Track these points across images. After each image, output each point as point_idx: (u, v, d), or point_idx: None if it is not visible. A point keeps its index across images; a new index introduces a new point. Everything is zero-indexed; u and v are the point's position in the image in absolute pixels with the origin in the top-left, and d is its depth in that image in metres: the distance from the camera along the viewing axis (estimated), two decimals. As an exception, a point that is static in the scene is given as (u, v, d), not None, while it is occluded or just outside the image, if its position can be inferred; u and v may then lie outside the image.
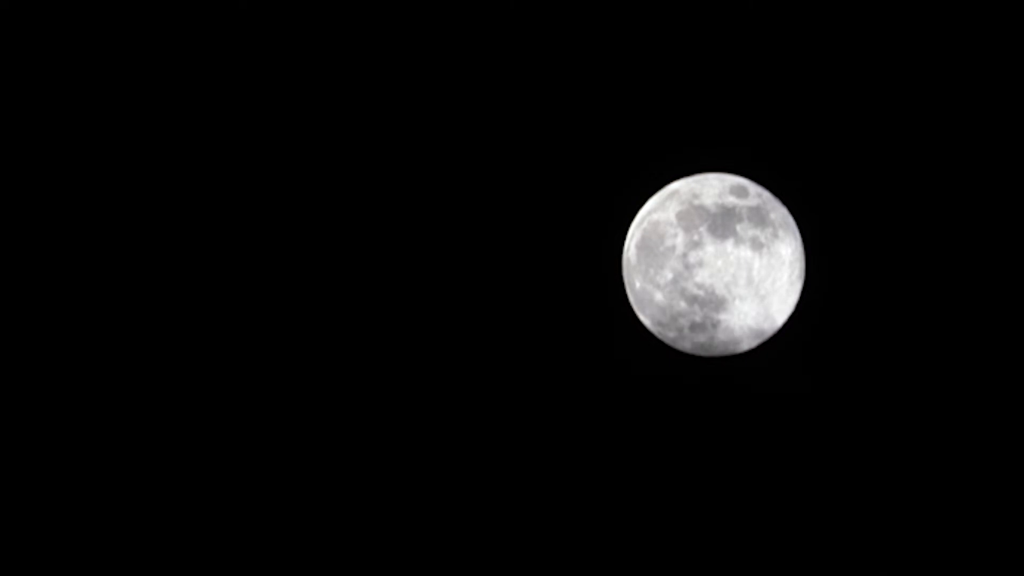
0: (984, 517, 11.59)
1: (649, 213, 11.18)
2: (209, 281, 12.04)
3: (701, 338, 10.99)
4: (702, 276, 10.73)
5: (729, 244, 10.74)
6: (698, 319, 10.87)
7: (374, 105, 12.01)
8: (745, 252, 10.74)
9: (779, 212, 11.09)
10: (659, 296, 10.97)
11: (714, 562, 11.76)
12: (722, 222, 10.80)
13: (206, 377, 11.99)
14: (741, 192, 11.03)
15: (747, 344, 11.14)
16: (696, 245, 10.77)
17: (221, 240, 12.04)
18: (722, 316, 10.83)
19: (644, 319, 11.28)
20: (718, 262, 10.70)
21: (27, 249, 11.99)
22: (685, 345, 11.19)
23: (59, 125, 12.03)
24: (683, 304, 10.85)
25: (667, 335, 11.20)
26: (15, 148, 12.01)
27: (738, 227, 10.80)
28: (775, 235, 10.91)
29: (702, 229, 10.80)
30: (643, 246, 11.05)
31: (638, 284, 11.12)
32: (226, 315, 12.03)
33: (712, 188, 11.06)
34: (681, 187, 11.20)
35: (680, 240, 10.82)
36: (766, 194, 11.14)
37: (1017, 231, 11.65)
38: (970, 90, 11.66)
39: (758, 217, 10.91)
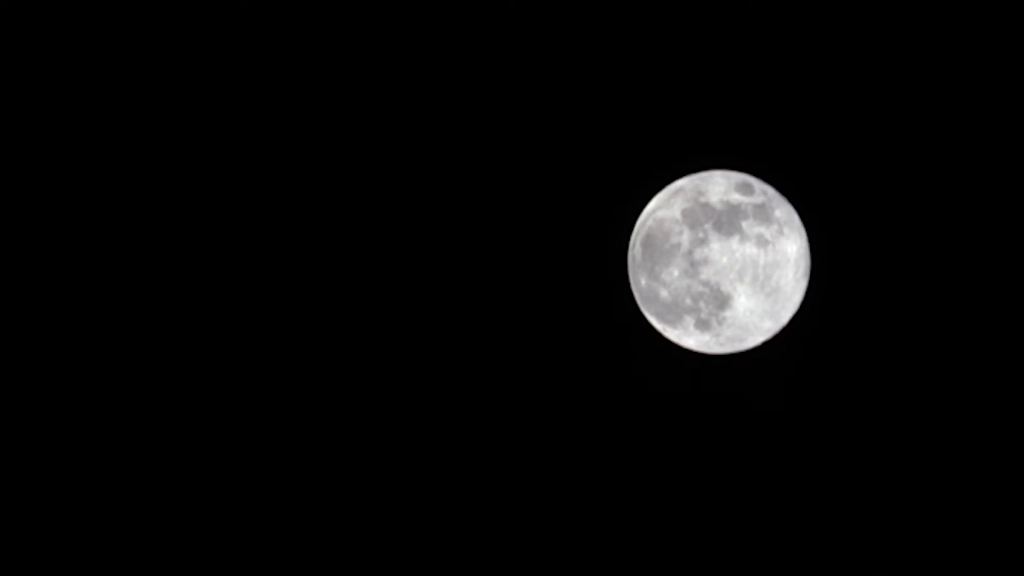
0: (989, 515, 11.61)
1: (654, 210, 11.19)
2: (209, 281, 12.03)
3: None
4: (707, 273, 10.74)
5: (734, 241, 10.76)
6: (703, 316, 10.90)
7: (378, 107, 12.01)
8: (750, 249, 10.75)
9: (784, 209, 11.10)
10: (664, 293, 10.98)
11: (718, 561, 11.77)
12: (727, 219, 10.81)
13: (206, 377, 12.00)
14: (746, 189, 11.04)
15: (753, 340, 11.17)
16: (701, 242, 10.78)
17: (221, 240, 12.04)
18: (727, 313, 10.85)
19: (649, 316, 11.29)
20: (723, 259, 10.71)
21: (27, 249, 11.99)
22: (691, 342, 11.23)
23: (59, 125, 12.03)
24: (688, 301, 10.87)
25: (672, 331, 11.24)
26: (15, 148, 12.01)
27: (743, 224, 10.81)
28: (780, 232, 10.92)
29: (707, 226, 10.80)
30: (648, 243, 11.06)
31: (643, 281, 11.13)
32: (226, 315, 12.03)
33: (717, 185, 11.07)
34: (686, 184, 11.20)
35: (685, 237, 10.83)
36: (771, 191, 11.15)
37: (1019, 227, 11.67)
38: (973, 88, 11.67)
39: (763, 214, 10.92)
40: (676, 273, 10.85)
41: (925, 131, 11.67)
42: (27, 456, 11.89)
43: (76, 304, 11.98)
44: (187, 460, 11.95)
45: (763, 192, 11.08)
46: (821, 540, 11.71)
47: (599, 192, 11.83)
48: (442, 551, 11.87)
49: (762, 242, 10.81)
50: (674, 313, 11.02)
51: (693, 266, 10.77)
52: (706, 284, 10.77)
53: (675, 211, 10.98)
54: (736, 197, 10.95)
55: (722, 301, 10.80)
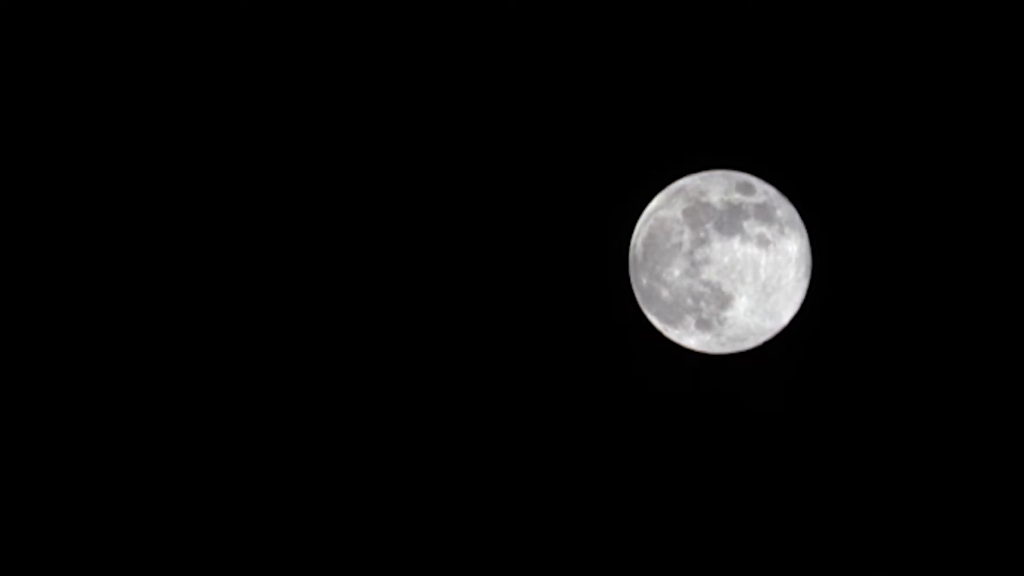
0: (989, 515, 11.62)
1: (655, 210, 11.19)
2: (209, 282, 12.03)
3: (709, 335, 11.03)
4: (708, 273, 10.74)
5: (735, 241, 10.76)
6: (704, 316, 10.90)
7: (379, 109, 12.01)
8: (751, 249, 10.76)
9: (785, 209, 11.10)
10: (665, 292, 10.98)
11: (719, 560, 11.78)
12: (728, 219, 10.81)
13: (206, 377, 11.99)
14: (747, 189, 11.04)
15: (754, 340, 11.18)
16: (702, 242, 10.78)
17: (221, 241, 12.03)
18: (728, 312, 10.85)
19: (650, 316, 11.30)
20: (724, 259, 10.71)
21: (27, 249, 11.98)
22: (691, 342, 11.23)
23: (59, 125, 12.01)
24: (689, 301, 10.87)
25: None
26: (15, 148, 11.99)
27: (744, 224, 10.81)
28: (781, 232, 10.93)
29: (708, 226, 10.81)
30: (649, 243, 11.06)
31: (644, 281, 11.13)
32: (226, 316, 12.02)
33: (718, 185, 11.07)
34: (687, 184, 11.20)
35: (686, 237, 10.83)
36: (772, 191, 11.16)
37: (1019, 227, 11.68)
38: (973, 88, 11.68)
39: (764, 214, 10.92)
40: (677, 273, 10.85)
41: (925, 131, 11.68)
42: (27, 456, 11.88)
43: (76, 304, 11.97)
44: (187, 460, 11.95)
45: (764, 192, 11.09)
46: (821, 540, 11.71)
47: (599, 192, 11.83)
48: (442, 551, 11.86)
49: (763, 242, 10.81)
50: (675, 313, 11.02)
51: (694, 266, 10.77)
52: (707, 284, 10.77)
53: (676, 211, 10.98)
54: (737, 197, 10.96)
55: (723, 301, 10.80)
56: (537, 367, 11.84)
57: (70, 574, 11.87)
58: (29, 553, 11.84)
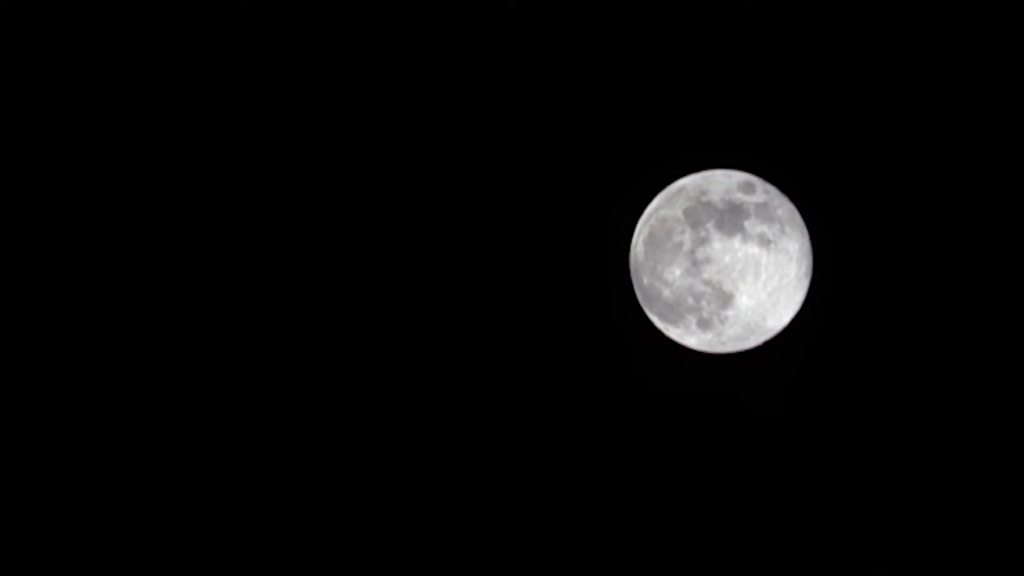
0: (989, 515, 11.63)
1: (656, 210, 11.19)
2: (209, 282, 12.02)
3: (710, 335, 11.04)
4: (709, 272, 10.75)
5: (736, 240, 10.77)
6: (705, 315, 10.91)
7: (379, 109, 12.02)
8: (752, 248, 10.76)
9: (786, 208, 11.11)
10: (666, 292, 10.99)
11: (719, 560, 11.78)
12: (729, 218, 10.82)
13: (206, 378, 11.98)
14: (748, 188, 11.05)
15: (755, 340, 11.18)
16: (703, 241, 10.79)
17: (221, 241, 12.03)
18: (729, 312, 10.86)
19: (651, 315, 11.30)
20: (725, 258, 10.72)
21: (27, 249, 11.97)
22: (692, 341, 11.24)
23: (59, 125, 12.01)
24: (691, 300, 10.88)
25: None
26: (15, 148, 11.99)
27: (745, 223, 10.82)
28: (782, 231, 10.94)
29: (709, 225, 10.81)
30: (650, 242, 11.07)
31: (645, 280, 11.14)
32: (226, 316, 12.01)
33: (719, 184, 11.08)
34: (688, 183, 11.21)
35: (687, 236, 10.84)
36: (773, 190, 11.16)
37: (1019, 226, 11.70)
38: (973, 88, 11.70)
39: (765, 213, 10.93)
40: (678, 272, 10.85)
41: (926, 130, 11.70)
42: (27, 456, 11.87)
43: (76, 304, 11.96)
44: (187, 461, 11.94)
45: (765, 191, 11.10)
46: (821, 540, 11.72)
47: (599, 192, 11.84)
48: (442, 551, 11.86)
49: (764, 241, 10.82)
50: (676, 312, 11.02)
51: (695, 265, 10.78)
52: (708, 283, 10.78)
53: (677, 210, 10.98)
54: (738, 196, 10.96)
55: (724, 300, 10.80)
56: (538, 367, 11.85)
57: (70, 574, 11.86)
58: (29, 553, 11.83)
